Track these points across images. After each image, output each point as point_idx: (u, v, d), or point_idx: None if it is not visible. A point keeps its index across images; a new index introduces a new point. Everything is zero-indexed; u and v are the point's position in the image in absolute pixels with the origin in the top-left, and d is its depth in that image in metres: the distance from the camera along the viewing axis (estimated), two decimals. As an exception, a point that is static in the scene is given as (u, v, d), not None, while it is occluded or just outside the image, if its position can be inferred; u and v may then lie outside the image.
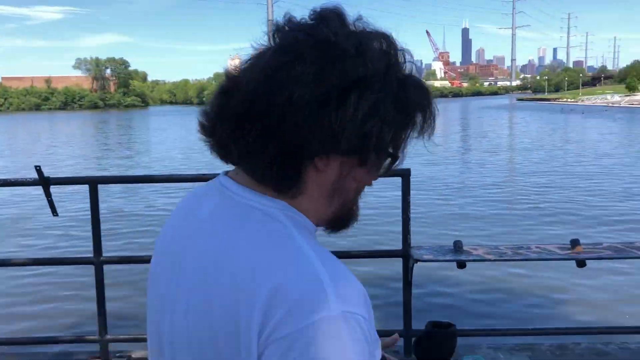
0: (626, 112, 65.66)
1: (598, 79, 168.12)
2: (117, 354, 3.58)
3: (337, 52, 0.76)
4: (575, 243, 3.23)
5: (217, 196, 0.86)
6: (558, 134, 36.99)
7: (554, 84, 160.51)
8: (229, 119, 0.80)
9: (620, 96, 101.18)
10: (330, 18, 0.80)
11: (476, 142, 31.32)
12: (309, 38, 0.78)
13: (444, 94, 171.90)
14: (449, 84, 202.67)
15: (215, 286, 0.77)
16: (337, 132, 0.76)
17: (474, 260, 2.98)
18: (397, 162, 0.85)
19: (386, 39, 0.81)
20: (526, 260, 3.07)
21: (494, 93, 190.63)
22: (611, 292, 7.00)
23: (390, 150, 0.83)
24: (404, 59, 0.82)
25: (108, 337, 3.43)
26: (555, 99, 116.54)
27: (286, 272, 0.73)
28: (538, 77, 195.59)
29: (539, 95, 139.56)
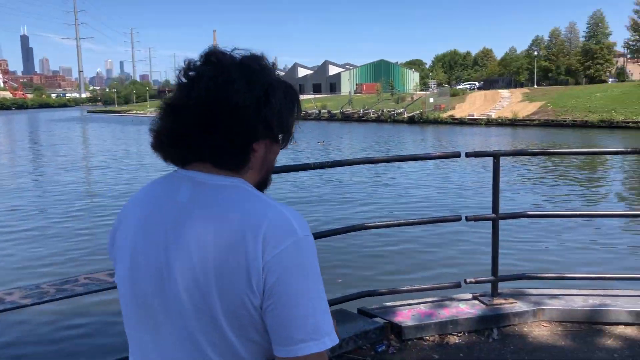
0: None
1: (164, 92, 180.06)
2: None
3: (253, 68, 1.15)
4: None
5: (189, 184, 1.15)
6: (131, 145, 37.92)
7: (124, 96, 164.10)
8: (190, 127, 1.12)
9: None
10: (220, 52, 1.16)
11: (50, 157, 29.22)
12: (235, 63, 1.14)
13: (5, 105, 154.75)
14: (11, 95, 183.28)
15: (220, 231, 1.08)
16: (269, 122, 1.15)
17: (6, 310, 2.63)
18: (291, 136, 1.24)
19: (264, 57, 1.20)
20: (72, 296, 2.87)
21: (64, 105, 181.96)
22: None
23: (290, 130, 1.22)
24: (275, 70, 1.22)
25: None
26: (126, 111, 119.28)
27: (269, 215, 1.09)
28: (107, 90, 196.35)
29: (109, 108, 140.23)
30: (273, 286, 1.06)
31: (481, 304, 4.26)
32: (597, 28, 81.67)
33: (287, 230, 1.09)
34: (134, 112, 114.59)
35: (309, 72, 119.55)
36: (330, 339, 1.08)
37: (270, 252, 1.06)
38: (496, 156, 4.21)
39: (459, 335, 4.01)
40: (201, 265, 1.07)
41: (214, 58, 1.15)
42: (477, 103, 61.71)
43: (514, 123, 51.24)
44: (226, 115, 1.11)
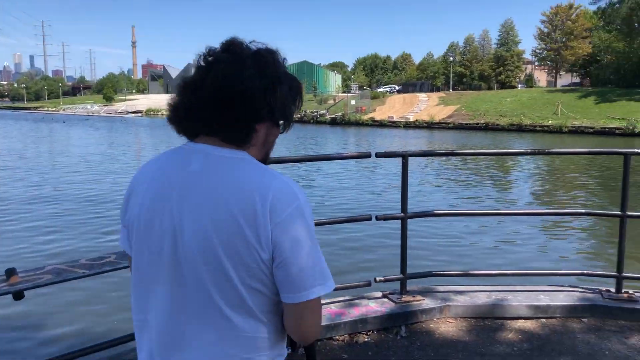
0: (106, 121, 69.67)
1: (78, 88, 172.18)
2: None
3: (267, 59, 1.32)
4: (10, 273, 2.98)
5: (200, 155, 1.31)
6: (44, 143, 35.91)
7: (34, 92, 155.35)
8: (205, 102, 1.29)
9: (99, 106, 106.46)
10: (239, 42, 1.34)
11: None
12: (250, 53, 1.32)
13: None
14: None
15: (234, 197, 1.24)
16: (273, 107, 1.32)
17: None
18: (290, 124, 1.41)
19: (277, 52, 1.36)
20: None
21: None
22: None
23: (291, 117, 1.40)
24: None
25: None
26: (36, 107, 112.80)
27: (275, 183, 1.27)
28: (16, 85, 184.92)
29: (18, 104, 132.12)
30: (282, 244, 1.25)
31: (390, 302, 4.32)
32: (507, 36, 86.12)
33: (291, 196, 1.28)
34: (46, 108, 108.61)
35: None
36: (332, 282, 1.32)
37: (278, 215, 1.24)
38: (404, 156, 4.28)
39: (369, 334, 4.04)
40: (213, 225, 1.24)
41: (232, 47, 1.33)
42: (396, 106, 63.42)
43: (430, 126, 53.04)
44: (237, 96, 1.28)
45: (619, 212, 4.35)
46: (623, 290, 4.43)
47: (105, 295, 7.14)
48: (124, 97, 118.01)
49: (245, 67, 1.29)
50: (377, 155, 4.23)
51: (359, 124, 58.65)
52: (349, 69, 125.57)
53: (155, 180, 1.34)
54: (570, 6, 72.55)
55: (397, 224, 4.37)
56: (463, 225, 10.80)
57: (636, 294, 4.45)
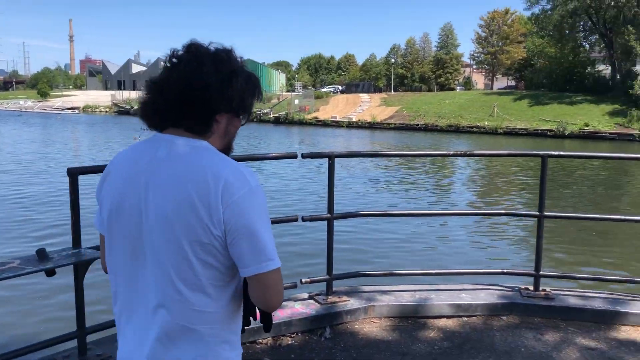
0: (40, 118, 66.77)
1: (10, 83, 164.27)
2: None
3: (222, 58, 1.49)
4: None
5: (167, 144, 1.47)
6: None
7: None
8: (169, 100, 1.46)
9: (33, 101, 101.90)
10: (198, 44, 1.51)
11: None
12: (208, 53, 1.49)
13: None
14: None
15: (191, 181, 1.40)
16: (231, 99, 1.49)
17: None
18: (250, 115, 1.58)
19: (232, 50, 1.54)
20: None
21: None
22: None
23: (249, 108, 1.56)
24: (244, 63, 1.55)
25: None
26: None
27: (228, 169, 1.43)
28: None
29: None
30: (233, 224, 1.40)
31: (316, 304, 4.30)
32: (447, 39, 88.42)
33: (242, 181, 1.42)
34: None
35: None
36: (278, 260, 1.46)
37: (229, 197, 1.39)
38: (331, 157, 4.27)
39: (293, 336, 4.01)
40: (173, 205, 1.40)
41: (192, 48, 1.49)
42: (339, 106, 63.87)
43: (372, 126, 53.72)
44: (197, 91, 1.45)
45: (537, 213, 4.49)
46: (541, 288, 4.59)
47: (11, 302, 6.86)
48: (60, 93, 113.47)
49: (203, 65, 1.46)
50: (304, 156, 4.21)
51: (302, 123, 58.70)
52: (294, 68, 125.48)
53: (127, 166, 1.50)
54: (506, 11, 75.24)
55: (324, 225, 4.36)
56: (391, 226, 10.94)
57: (553, 291, 4.62)
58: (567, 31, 52.51)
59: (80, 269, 3.18)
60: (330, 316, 4.17)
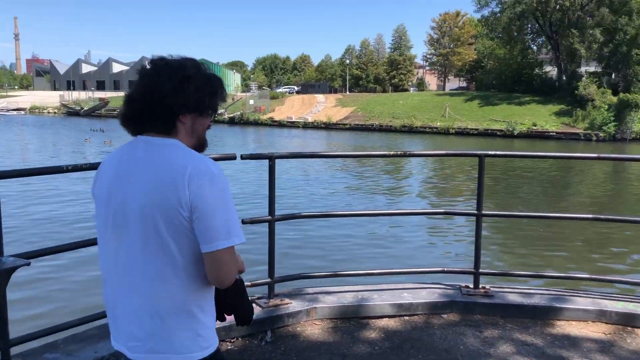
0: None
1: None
2: None
3: (174, 67, 1.76)
4: None
5: (143, 144, 1.78)
6: None
7: None
8: (138, 110, 1.77)
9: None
10: (158, 58, 1.81)
11: None
12: (163, 64, 1.77)
13: None
14: None
15: (163, 172, 1.69)
16: (186, 102, 1.76)
17: None
18: (215, 113, 1.88)
19: (192, 60, 1.83)
20: None
21: None
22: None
23: (210, 107, 1.84)
24: (204, 67, 1.83)
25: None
26: None
27: (193, 161, 1.71)
28: None
29: None
30: (197, 205, 1.67)
31: (258, 307, 4.23)
32: (400, 41, 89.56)
33: (205, 170, 1.69)
34: None
35: (125, 67, 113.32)
36: (238, 239, 1.72)
37: (194, 184, 1.67)
38: (271, 158, 4.22)
39: (233, 341, 3.93)
40: (150, 194, 1.69)
41: (154, 62, 1.79)
42: (295, 106, 63.84)
43: (328, 126, 53.94)
44: (156, 100, 1.74)
45: (475, 212, 4.56)
46: (480, 286, 4.66)
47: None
48: (5, 94, 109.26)
49: (159, 75, 1.75)
50: (243, 157, 4.14)
51: (257, 123, 58.41)
52: (249, 68, 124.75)
53: (114, 165, 1.81)
54: (457, 14, 76.84)
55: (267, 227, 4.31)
56: (334, 227, 10.92)
57: (493, 289, 4.69)
58: (515, 33, 53.95)
59: (1, 278, 3.02)
60: (271, 319, 4.11)
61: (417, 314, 4.39)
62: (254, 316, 4.06)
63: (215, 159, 4.14)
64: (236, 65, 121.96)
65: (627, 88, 44.41)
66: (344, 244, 10.01)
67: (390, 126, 50.57)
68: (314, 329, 4.16)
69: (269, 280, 4.32)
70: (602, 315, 4.34)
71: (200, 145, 1.86)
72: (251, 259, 8.20)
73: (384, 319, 4.34)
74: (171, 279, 1.74)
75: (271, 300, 4.31)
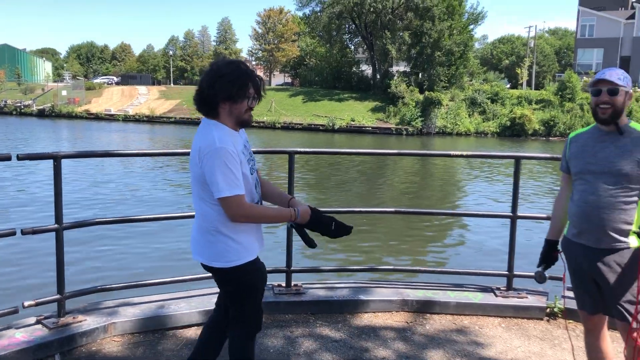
0: None
1: None
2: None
3: (213, 69, 2.63)
4: None
5: (202, 123, 2.65)
6: None
7: None
8: (199, 96, 2.61)
9: None
10: (214, 62, 2.75)
11: None
12: (211, 67, 2.67)
13: None
14: None
15: (197, 142, 2.58)
16: (217, 95, 2.56)
17: None
18: (254, 99, 2.65)
19: (234, 62, 2.68)
20: None
21: None
22: None
23: (240, 96, 2.58)
24: (241, 67, 2.63)
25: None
26: None
27: (209, 135, 2.54)
28: None
29: None
30: (204, 169, 2.51)
31: (45, 328, 3.72)
32: (226, 34, 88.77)
33: (211, 143, 2.49)
34: None
35: None
36: (228, 191, 2.49)
37: (203, 153, 2.50)
38: (56, 158, 3.72)
39: (10, 371, 3.38)
40: (194, 159, 2.58)
41: (212, 63, 2.70)
42: (114, 98, 59.97)
43: (151, 120, 51.55)
44: (199, 93, 2.60)
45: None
46: (293, 284, 4.62)
47: None
48: None
49: (204, 75, 2.62)
50: (20, 157, 3.59)
51: (71, 116, 53.78)
52: (62, 56, 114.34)
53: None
54: (281, 11, 78.30)
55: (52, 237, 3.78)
56: (134, 233, 10.08)
57: (305, 286, 4.69)
58: (334, 33, 56.38)
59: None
60: (60, 341, 3.62)
61: (227, 319, 4.19)
62: (39, 340, 3.57)
63: (-15, 161, 3.54)
64: (47, 53, 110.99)
65: (431, 87, 48.85)
66: (146, 250, 9.30)
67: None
68: (112, 347, 3.76)
69: (57, 296, 3.82)
70: (404, 305, 4.56)
71: (240, 123, 2.64)
72: (34, 274, 7.29)
73: (192, 328, 4.08)
74: (206, 215, 2.62)
75: (61, 319, 3.82)
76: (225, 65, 2.57)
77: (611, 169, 2.74)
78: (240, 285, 2.70)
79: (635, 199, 2.73)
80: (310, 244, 2.76)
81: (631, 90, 2.81)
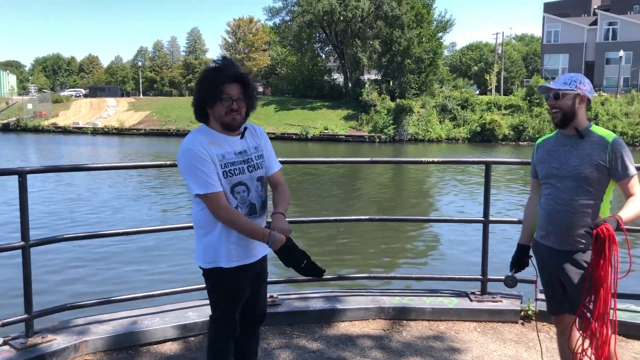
0: None
1: None
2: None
3: (201, 72, 2.76)
4: None
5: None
6: None
7: None
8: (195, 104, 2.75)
9: None
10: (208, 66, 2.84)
11: None
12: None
13: None
14: None
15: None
16: (199, 100, 2.70)
17: None
18: (228, 102, 2.63)
19: (208, 67, 2.76)
20: None
21: None
22: None
23: (209, 97, 2.65)
24: (208, 67, 2.77)
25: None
26: None
27: (186, 138, 2.71)
28: None
29: None
30: (180, 169, 2.69)
31: (12, 349, 3.61)
32: (195, 44, 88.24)
33: (182, 146, 2.64)
34: None
35: None
36: (201, 190, 2.59)
37: (177, 155, 2.68)
38: (22, 174, 3.62)
39: (-23, 396, 3.27)
40: None
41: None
42: (82, 111, 59.04)
43: (120, 132, 50.88)
44: (198, 97, 2.70)
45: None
46: (268, 295, 4.56)
47: None
48: None
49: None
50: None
51: (38, 130, 52.75)
52: (27, 69, 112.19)
53: None
54: (251, 20, 78.22)
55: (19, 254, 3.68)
56: (104, 247, 9.82)
57: (280, 296, 4.65)
58: (305, 41, 56.56)
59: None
60: (28, 363, 3.52)
61: (203, 334, 4.13)
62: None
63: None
64: (11, 66, 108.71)
65: (402, 94, 49.33)
66: (116, 266, 9.10)
67: (189, 131, 49.28)
68: (84, 366, 3.66)
69: (25, 316, 3.71)
70: (381, 312, 4.55)
71: (226, 125, 2.66)
72: (5, 294, 7.03)
73: (167, 343, 4.01)
74: (194, 208, 2.75)
75: (30, 339, 3.71)
76: (203, 71, 2.70)
77: (571, 172, 2.81)
78: (212, 287, 2.81)
79: (597, 201, 2.78)
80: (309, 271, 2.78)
81: (587, 94, 2.85)
